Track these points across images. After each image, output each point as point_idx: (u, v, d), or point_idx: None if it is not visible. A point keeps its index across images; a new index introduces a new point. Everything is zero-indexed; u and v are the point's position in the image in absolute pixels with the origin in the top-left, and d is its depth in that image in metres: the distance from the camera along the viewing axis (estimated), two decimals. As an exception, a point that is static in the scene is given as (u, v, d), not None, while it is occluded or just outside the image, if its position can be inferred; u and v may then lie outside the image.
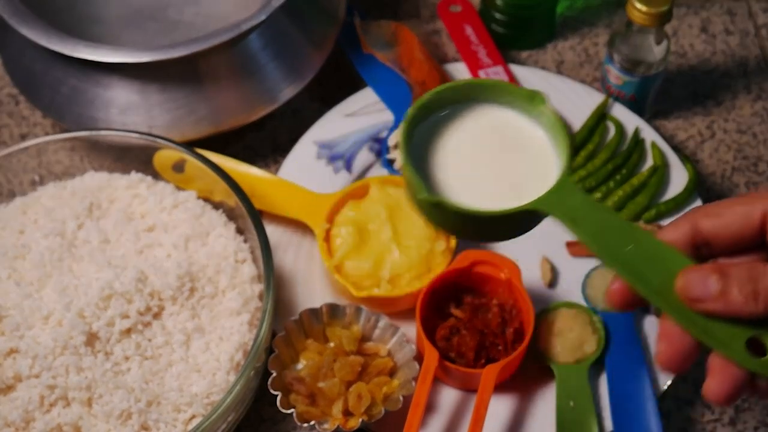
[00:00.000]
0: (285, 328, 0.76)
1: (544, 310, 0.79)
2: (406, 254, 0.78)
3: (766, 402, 0.78)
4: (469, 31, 0.96)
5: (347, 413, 0.73)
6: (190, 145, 0.81)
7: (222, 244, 0.78)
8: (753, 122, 0.93)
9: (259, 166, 0.87)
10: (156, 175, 0.83)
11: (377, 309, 0.78)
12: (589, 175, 0.86)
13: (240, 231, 0.80)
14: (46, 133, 0.94)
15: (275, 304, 0.75)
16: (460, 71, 0.94)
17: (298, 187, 0.84)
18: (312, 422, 0.72)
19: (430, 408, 0.76)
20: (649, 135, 0.88)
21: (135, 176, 0.82)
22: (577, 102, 0.91)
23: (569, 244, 0.84)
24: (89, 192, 0.81)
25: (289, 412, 0.72)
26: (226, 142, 0.91)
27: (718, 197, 0.88)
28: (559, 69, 0.97)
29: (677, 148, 0.90)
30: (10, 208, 0.81)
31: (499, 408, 0.76)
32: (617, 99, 0.90)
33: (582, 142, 0.88)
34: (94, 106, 0.85)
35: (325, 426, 0.72)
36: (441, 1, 0.98)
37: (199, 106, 0.85)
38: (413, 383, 0.73)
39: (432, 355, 0.74)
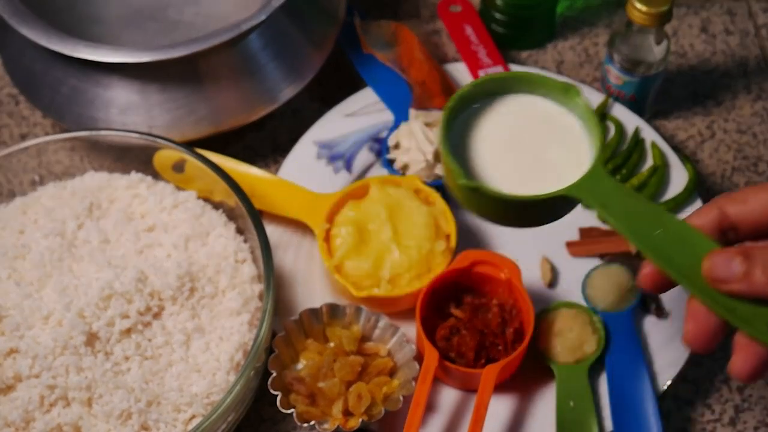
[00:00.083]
0: (285, 328, 0.76)
1: (544, 310, 0.79)
2: (406, 254, 0.78)
3: (765, 402, 0.78)
4: (469, 31, 0.96)
5: (347, 413, 0.73)
6: (190, 145, 0.81)
7: (222, 244, 0.78)
8: (753, 122, 0.93)
9: (259, 166, 0.87)
10: (156, 175, 0.83)
11: (377, 309, 0.78)
12: (589, 175, 0.86)
13: (240, 231, 0.80)
14: (46, 133, 0.94)
15: (275, 304, 0.75)
16: (460, 71, 0.94)
17: (298, 187, 0.84)
18: (312, 422, 0.72)
19: (430, 408, 0.76)
20: (649, 135, 0.88)
21: (135, 176, 0.82)
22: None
23: (569, 244, 0.84)
24: (89, 192, 0.81)
25: (289, 412, 0.72)
26: (226, 142, 0.91)
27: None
28: (559, 69, 0.97)
29: (677, 148, 0.90)
30: (10, 208, 0.81)
31: (499, 408, 0.76)
32: (617, 99, 0.90)
33: (582, 142, 0.88)
34: (94, 106, 0.85)
35: (325, 426, 0.72)
36: (441, 1, 0.98)
37: (199, 106, 0.85)
38: (413, 383, 0.73)
39: (432, 355, 0.74)
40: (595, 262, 0.83)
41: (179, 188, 0.82)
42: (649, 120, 0.92)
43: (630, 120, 0.89)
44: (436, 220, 0.80)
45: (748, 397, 0.78)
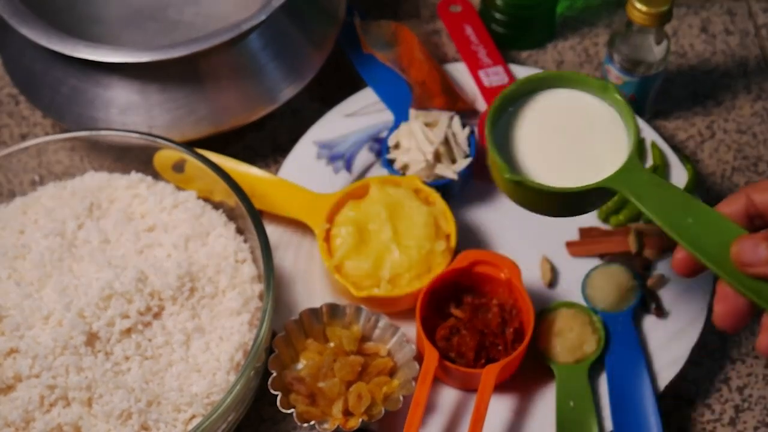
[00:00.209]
0: (285, 328, 0.76)
1: (544, 310, 0.79)
2: (406, 254, 0.78)
3: (766, 402, 0.78)
4: (469, 31, 0.96)
5: (347, 413, 0.73)
6: (190, 145, 0.81)
7: (222, 244, 0.78)
8: (753, 122, 0.93)
9: (259, 166, 0.87)
10: (156, 175, 0.83)
11: (377, 309, 0.78)
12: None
13: (240, 231, 0.80)
14: (46, 133, 0.94)
15: (275, 304, 0.75)
16: (460, 71, 0.94)
17: (298, 187, 0.84)
18: (312, 422, 0.72)
19: (430, 408, 0.76)
20: (649, 135, 0.88)
21: (135, 176, 0.82)
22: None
23: (569, 244, 0.84)
24: (89, 192, 0.81)
25: (289, 412, 0.72)
26: (226, 142, 0.91)
27: (718, 197, 0.88)
28: (559, 69, 0.97)
29: (677, 148, 0.90)
30: (11, 208, 0.81)
31: (499, 408, 0.76)
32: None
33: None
34: (94, 106, 0.85)
35: (325, 426, 0.72)
36: (441, 1, 0.98)
37: (199, 106, 0.85)
38: (413, 383, 0.73)
39: (432, 355, 0.74)
40: (595, 262, 0.83)
41: (179, 188, 0.82)
42: (649, 120, 0.92)
43: (622, 93, 0.89)
44: (436, 220, 0.80)
45: (748, 397, 0.78)
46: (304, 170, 0.87)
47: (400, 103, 0.90)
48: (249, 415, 0.77)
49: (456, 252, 0.79)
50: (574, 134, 0.65)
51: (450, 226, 0.80)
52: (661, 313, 0.80)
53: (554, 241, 0.84)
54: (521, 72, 0.93)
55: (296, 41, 0.88)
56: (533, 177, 0.62)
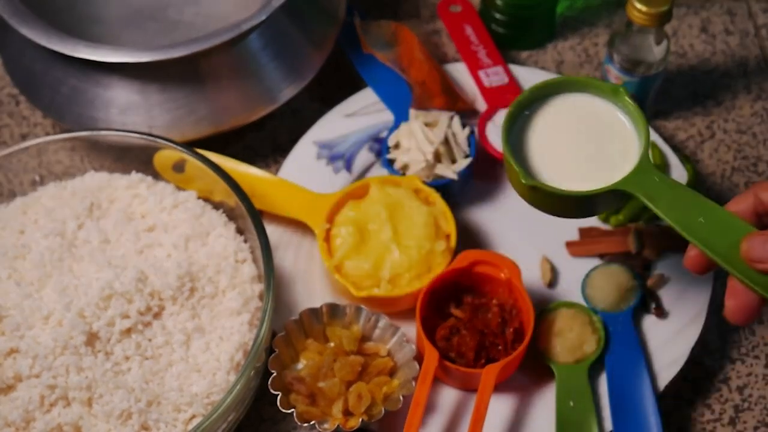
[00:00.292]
0: (285, 328, 0.76)
1: (544, 310, 0.79)
2: (406, 254, 0.78)
3: (765, 402, 0.78)
4: (469, 31, 0.96)
5: (347, 413, 0.73)
6: (190, 145, 0.81)
7: (222, 244, 0.78)
8: (753, 122, 0.93)
9: (259, 166, 0.87)
10: (156, 175, 0.83)
11: (377, 309, 0.78)
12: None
13: (240, 231, 0.80)
14: (47, 133, 0.94)
15: (275, 304, 0.75)
16: (460, 71, 0.94)
17: (298, 187, 0.84)
18: (312, 422, 0.72)
19: (430, 408, 0.76)
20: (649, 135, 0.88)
21: (135, 176, 0.82)
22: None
23: (569, 244, 0.84)
24: (89, 192, 0.81)
25: (289, 411, 0.72)
26: (226, 142, 0.91)
27: (718, 197, 0.88)
28: (559, 69, 0.97)
29: (677, 148, 0.90)
30: (11, 208, 0.81)
31: (499, 408, 0.76)
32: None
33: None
34: (94, 106, 0.85)
35: (325, 426, 0.72)
36: (441, 1, 0.98)
37: (199, 106, 0.85)
38: (413, 383, 0.73)
39: (432, 355, 0.74)
40: (595, 262, 0.83)
41: (179, 188, 0.82)
42: (649, 120, 0.92)
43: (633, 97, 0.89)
44: (436, 220, 0.80)
45: (747, 397, 0.78)
46: (304, 170, 0.87)
47: (400, 103, 0.90)
48: (249, 415, 0.77)
49: (456, 252, 0.79)
50: (586, 138, 0.67)
51: (450, 226, 0.80)
52: (661, 313, 0.80)
53: (554, 241, 0.84)
54: (521, 72, 0.93)
55: (296, 41, 0.88)
56: (548, 181, 0.64)
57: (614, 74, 0.88)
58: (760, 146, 0.92)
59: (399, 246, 0.79)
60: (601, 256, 0.83)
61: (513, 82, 0.92)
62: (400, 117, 0.89)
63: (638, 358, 0.77)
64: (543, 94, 0.68)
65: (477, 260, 0.78)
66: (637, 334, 0.78)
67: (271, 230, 0.83)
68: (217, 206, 0.81)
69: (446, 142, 0.85)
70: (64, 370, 0.70)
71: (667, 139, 0.91)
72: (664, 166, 0.86)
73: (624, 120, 0.67)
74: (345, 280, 0.78)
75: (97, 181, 0.82)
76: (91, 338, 0.72)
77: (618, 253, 0.83)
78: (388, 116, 0.90)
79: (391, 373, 0.76)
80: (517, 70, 0.93)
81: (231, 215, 0.81)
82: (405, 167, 0.85)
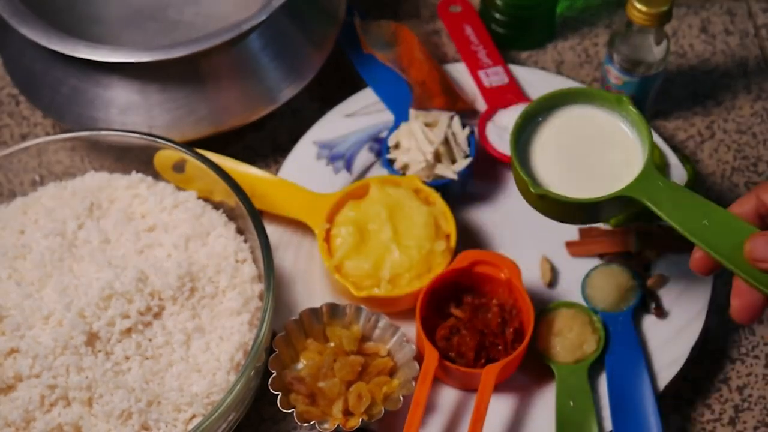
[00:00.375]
0: (285, 328, 0.76)
1: (544, 310, 0.79)
2: (406, 254, 0.78)
3: (765, 402, 0.78)
4: (469, 31, 0.96)
5: (347, 413, 0.73)
6: (190, 146, 0.81)
7: (222, 244, 0.78)
8: (753, 122, 0.93)
9: (259, 166, 0.87)
10: (156, 175, 0.83)
11: (377, 309, 0.78)
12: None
13: (240, 231, 0.80)
14: (47, 133, 0.94)
15: (275, 304, 0.75)
16: (460, 71, 0.94)
17: (298, 187, 0.84)
18: (312, 422, 0.72)
19: (430, 408, 0.76)
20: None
21: (135, 176, 0.82)
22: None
23: (569, 244, 0.84)
24: (89, 192, 0.81)
25: (289, 411, 0.72)
26: (226, 142, 0.91)
27: (718, 197, 0.88)
28: (559, 69, 0.97)
29: (677, 148, 0.90)
30: (11, 208, 0.81)
31: (499, 408, 0.76)
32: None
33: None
34: (94, 106, 0.85)
35: (325, 426, 0.72)
36: (441, 1, 0.98)
37: (199, 106, 0.85)
38: (413, 383, 0.73)
39: (432, 355, 0.74)
40: (595, 261, 0.83)
41: (179, 188, 0.82)
42: (649, 120, 0.92)
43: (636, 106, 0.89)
44: (436, 220, 0.80)
45: (747, 397, 0.78)
46: (304, 170, 0.87)
47: (400, 103, 0.90)
48: (249, 414, 0.77)
49: (456, 252, 0.79)
50: (591, 147, 0.69)
51: (450, 226, 0.80)
52: (661, 313, 0.80)
53: (554, 241, 0.84)
54: (521, 72, 0.93)
55: (296, 41, 0.88)
56: (555, 189, 0.66)
57: (614, 74, 0.88)
58: (760, 146, 0.92)
59: (399, 246, 0.79)
60: (601, 256, 0.83)
61: (513, 82, 0.92)
62: (400, 117, 0.89)
63: (638, 358, 0.77)
64: (549, 105, 0.70)
65: (477, 260, 0.78)
66: (637, 334, 0.78)
67: (271, 230, 0.83)
68: (217, 206, 0.81)
69: (446, 142, 0.85)
70: (64, 370, 0.71)
71: (667, 139, 0.91)
72: (664, 166, 0.86)
73: (627, 128, 0.69)
74: (345, 280, 0.78)
75: (97, 181, 0.82)
76: (92, 338, 0.72)
77: (618, 253, 0.83)
78: (388, 116, 0.90)
79: (391, 373, 0.76)
80: (517, 70, 0.93)
81: (231, 215, 0.81)
82: (405, 167, 0.85)
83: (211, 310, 0.76)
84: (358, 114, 0.91)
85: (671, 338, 0.78)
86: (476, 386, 0.73)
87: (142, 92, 0.84)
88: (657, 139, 0.88)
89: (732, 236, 0.61)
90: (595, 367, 0.77)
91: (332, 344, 0.77)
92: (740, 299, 0.62)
